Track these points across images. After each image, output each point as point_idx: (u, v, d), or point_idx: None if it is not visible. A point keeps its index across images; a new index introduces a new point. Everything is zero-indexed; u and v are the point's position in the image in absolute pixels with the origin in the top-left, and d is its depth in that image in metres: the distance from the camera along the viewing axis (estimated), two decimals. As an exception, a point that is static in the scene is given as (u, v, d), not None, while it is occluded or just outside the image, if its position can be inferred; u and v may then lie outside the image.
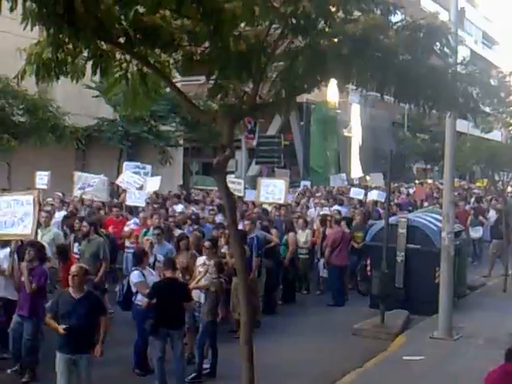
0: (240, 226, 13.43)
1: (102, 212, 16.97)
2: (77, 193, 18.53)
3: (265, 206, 18.07)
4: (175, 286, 9.59)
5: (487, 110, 15.30)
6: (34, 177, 19.73)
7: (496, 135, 41.06)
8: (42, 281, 9.88)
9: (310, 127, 42.83)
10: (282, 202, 17.92)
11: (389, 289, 13.20)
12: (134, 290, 10.18)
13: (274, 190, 17.84)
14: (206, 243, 11.23)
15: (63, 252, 11.48)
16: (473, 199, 25.71)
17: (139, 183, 18.92)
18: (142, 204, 17.18)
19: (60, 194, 19.28)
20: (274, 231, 14.85)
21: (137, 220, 15.31)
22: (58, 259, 11.44)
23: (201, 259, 11.06)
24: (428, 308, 13.26)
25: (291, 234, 15.41)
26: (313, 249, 16.62)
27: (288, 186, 19.38)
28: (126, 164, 21.81)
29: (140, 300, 10.07)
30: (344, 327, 12.87)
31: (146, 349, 10.16)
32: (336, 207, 19.58)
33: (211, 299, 10.01)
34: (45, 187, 19.17)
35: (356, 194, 23.96)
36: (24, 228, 10.32)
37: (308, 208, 20.63)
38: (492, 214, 22.33)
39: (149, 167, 21.46)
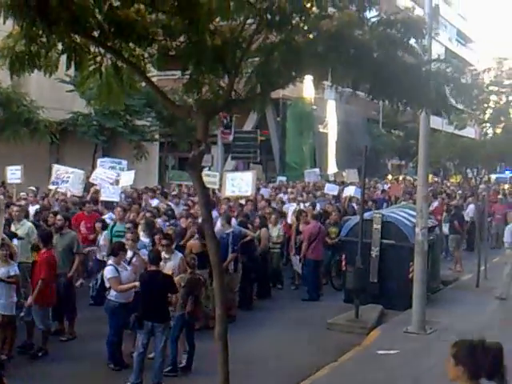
0: (218, 223, 13.52)
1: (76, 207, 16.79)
2: (51, 187, 18.31)
3: (241, 201, 17.96)
4: (160, 279, 9.57)
5: (460, 107, 15.44)
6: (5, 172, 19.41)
7: (470, 132, 41.49)
8: None
9: (286, 123, 42.90)
10: (248, 194, 17.34)
11: (363, 283, 13.31)
12: (107, 285, 10.15)
13: (240, 184, 17.04)
14: (163, 241, 11.09)
15: (48, 237, 11.09)
16: (444, 195, 25.97)
17: (112, 178, 18.76)
18: (117, 199, 17.06)
19: (34, 189, 19.08)
20: (250, 226, 14.85)
21: (112, 215, 15.22)
22: (40, 243, 11.08)
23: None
24: (402, 303, 13.38)
25: (263, 230, 15.41)
26: (287, 244, 16.64)
27: (256, 179, 18.82)
28: (100, 160, 21.58)
29: (113, 296, 10.04)
30: (318, 322, 12.93)
31: (120, 343, 10.13)
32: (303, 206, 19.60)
33: (181, 293, 9.99)
34: (18, 181, 18.95)
35: (330, 189, 24.05)
36: None
37: (283, 203, 20.68)
38: (471, 209, 22.68)
39: (124, 162, 21.27)
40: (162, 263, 10.65)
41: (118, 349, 10.14)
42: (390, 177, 42.70)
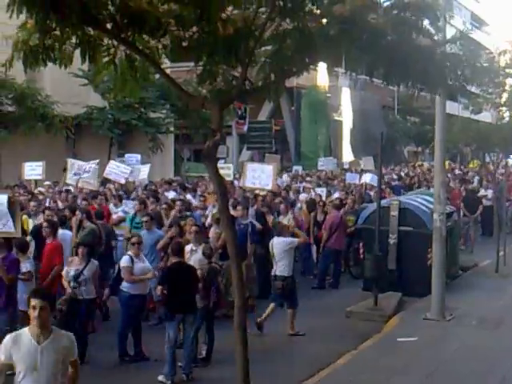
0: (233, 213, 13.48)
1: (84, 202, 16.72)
2: (72, 180, 18.28)
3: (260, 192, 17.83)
4: (184, 270, 9.62)
5: (476, 91, 15.31)
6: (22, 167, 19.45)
7: (486, 116, 41.17)
8: (13, 270, 9.50)
9: (301, 112, 42.76)
10: (269, 187, 17.02)
11: (381, 271, 13.25)
12: (122, 274, 10.14)
13: (261, 176, 16.80)
14: (193, 228, 11.19)
15: (54, 225, 11.14)
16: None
17: (126, 172, 18.80)
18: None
19: (49, 183, 19.17)
20: (270, 217, 14.80)
21: (125, 208, 15.28)
22: (50, 234, 10.95)
23: (188, 247, 10.97)
24: (421, 289, 13.32)
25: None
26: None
27: (276, 172, 18.79)
28: (127, 156, 21.75)
29: (125, 286, 10.05)
30: (337, 310, 12.92)
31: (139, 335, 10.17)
32: (320, 191, 19.57)
33: (202, 285, 9.99)
34: (39, 177, 19.03)
35: (351, 179, 23.92)
36: (3, 226, 10.00)
37: (299, 193, 20.62)
38: (488, 193, 22.55)
39: (138, 156, 21.51)
40: (187, 255, 10.68)
41: (138, 341, 10.17)
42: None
